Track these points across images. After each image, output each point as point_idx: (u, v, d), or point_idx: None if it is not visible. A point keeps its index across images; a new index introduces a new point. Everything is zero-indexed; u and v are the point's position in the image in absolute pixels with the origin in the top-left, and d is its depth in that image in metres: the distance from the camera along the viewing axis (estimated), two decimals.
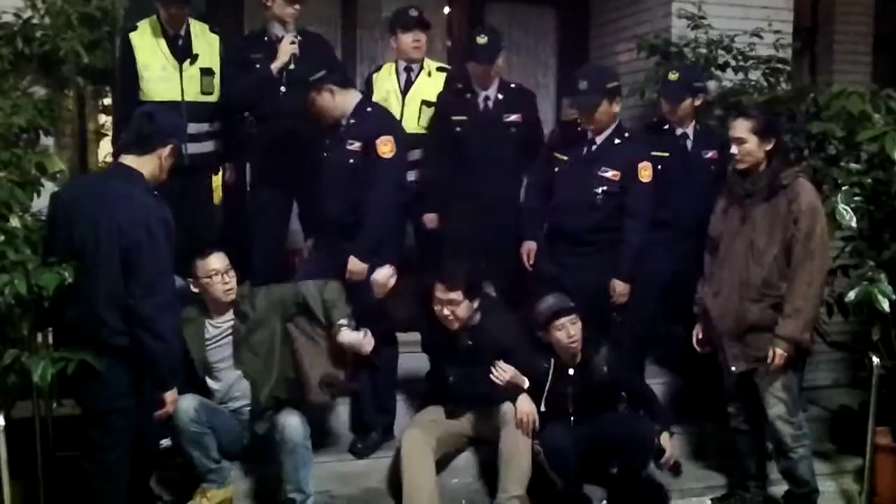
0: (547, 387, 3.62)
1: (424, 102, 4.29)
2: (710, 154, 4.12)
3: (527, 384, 3.59)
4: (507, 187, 4.21)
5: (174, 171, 3.11)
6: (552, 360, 3.64)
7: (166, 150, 3.00)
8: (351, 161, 3.67)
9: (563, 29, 5.80)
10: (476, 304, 3.62)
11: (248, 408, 3.48)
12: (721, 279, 3.56)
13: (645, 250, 3.86)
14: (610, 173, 3.82)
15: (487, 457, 3.71)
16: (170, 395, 3.08)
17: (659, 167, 3.91)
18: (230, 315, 3.50)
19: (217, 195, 4.48)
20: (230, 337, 3.49)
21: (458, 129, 4.14)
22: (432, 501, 3.46)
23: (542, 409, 3.59)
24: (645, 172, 3.82)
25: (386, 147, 3.64)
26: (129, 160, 2.96)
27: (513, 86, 4.29)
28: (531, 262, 4.02)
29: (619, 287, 3.83)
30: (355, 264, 3.62)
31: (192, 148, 4.03)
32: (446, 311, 3.56)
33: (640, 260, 3.86)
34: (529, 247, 4.02)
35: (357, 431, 3.87)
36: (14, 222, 2.92)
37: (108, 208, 2.84)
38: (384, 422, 3.85)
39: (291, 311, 3.50)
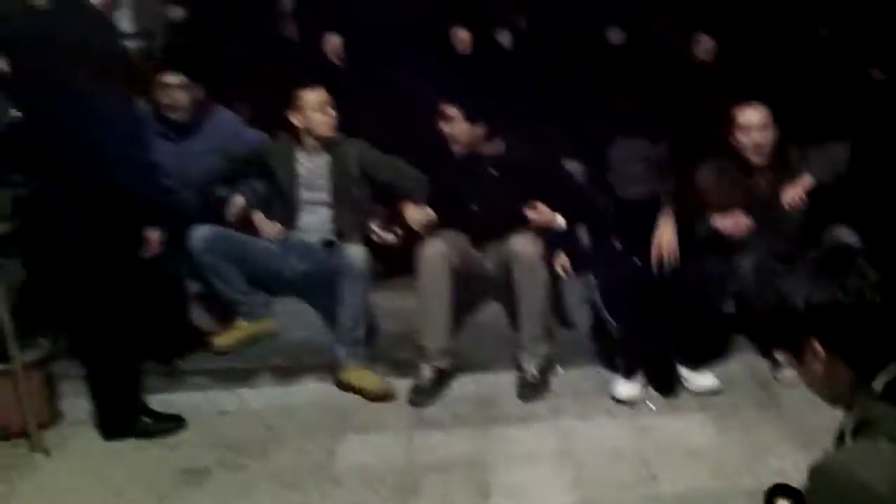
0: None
1: None
2: None
3: (563, 224, 3.28)
4: None
5: None
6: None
7: None
8: None
9: None
10: (480, 131, 3.36)
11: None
12: None
13: None
14: None
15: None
16: None
17: None
18: (325, 153, 3.43)
19: None
20: (323, 174, 3.42)
21: None
22: (446, 313, 3.15)
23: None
24: None
25: None
26: None
27: None
28: None
29: None
30: None
31: None
32: (448, 128, 3.34)
33: None
34: None
35: None
36: None
37: None
38: None
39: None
